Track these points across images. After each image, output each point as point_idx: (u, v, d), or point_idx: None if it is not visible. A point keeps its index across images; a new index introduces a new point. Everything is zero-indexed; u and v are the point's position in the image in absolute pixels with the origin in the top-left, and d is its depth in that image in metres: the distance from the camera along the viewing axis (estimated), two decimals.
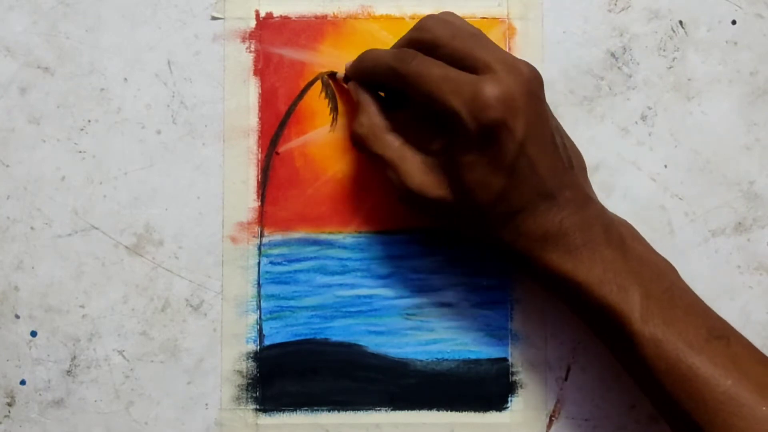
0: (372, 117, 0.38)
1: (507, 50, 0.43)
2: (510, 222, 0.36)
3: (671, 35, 0.43)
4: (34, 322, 0.42)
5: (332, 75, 0.42)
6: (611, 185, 0.42)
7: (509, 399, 0.42)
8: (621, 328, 0.35)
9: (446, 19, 0.37)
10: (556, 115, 0.42)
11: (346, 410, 0.42)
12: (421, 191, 0.37)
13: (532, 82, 0.35)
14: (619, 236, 0.37)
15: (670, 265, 0.38)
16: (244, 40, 0.43)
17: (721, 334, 0.36)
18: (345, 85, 0.41)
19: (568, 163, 0.37)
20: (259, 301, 0.42)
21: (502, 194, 0.35)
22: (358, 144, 0.39)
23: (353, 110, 0.41)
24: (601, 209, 0.38)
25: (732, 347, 0.36)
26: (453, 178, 0.36)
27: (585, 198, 0.37)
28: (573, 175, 0.37)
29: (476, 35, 0.37)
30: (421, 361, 0.42)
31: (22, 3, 0.43)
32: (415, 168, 0.37)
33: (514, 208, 0.36)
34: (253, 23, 0.43)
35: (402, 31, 0.42)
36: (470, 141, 0.35)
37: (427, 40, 0.37)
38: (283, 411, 0.42)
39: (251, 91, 0.42)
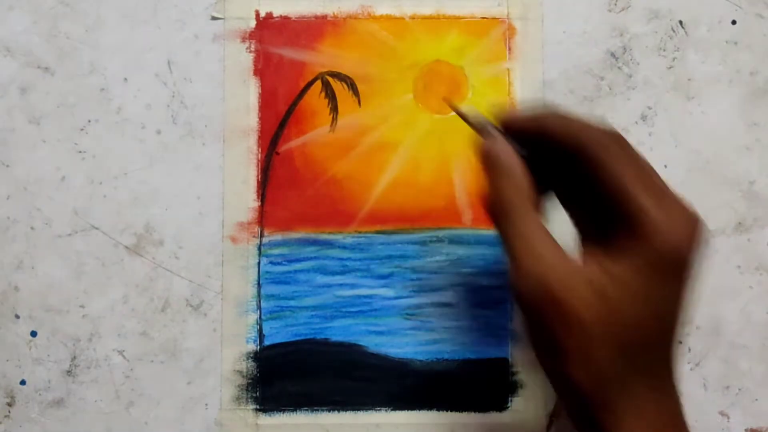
0: (522, 183, 0.31)
1: (507, 51, 0.43)
2: (628, 377, 0.29)
3: (671, 35, 0.43)
4: (34, 322, 0.42)
5: (458, 111, 0.35)
6: None
7: (509, 399, 0.42)
8: None
9: (623, 143, 0.31)
10: None
11: (346, 410, 0.42)
12: (554, 287, 0.29)
13: (701, 241, 0.30)
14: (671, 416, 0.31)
15: None
16: (244, 40, 0.43)
17: None
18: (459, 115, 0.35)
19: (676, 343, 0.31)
20: (259, 301, 0.42)
21: (651, 338, 0.29)
22: (499, 210, 0.31)
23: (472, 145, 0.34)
24: (678, 410, 0.31)
25: None
26: (601, 295, 0.29)
27: (670, 393, 0.31)
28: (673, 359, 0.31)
29: (651, 172, 0.31)
30: (421, 361, 0.42)
31: (22, 3, 0.43)
32: (558, 261, 0.30)
33: (646, 363, 0.30)
34: (253, 23, 0.43)
35: (402, 31, 0.43)
36: (645, 256, 0.29)
37: (599, 159, 0.30)
38: (283, 411, 0.42)
39: (251, 91, 0.43)
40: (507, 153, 0.32)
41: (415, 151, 0.42)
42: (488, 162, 0.32)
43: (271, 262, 0.42)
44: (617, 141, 0.31)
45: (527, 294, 0.30)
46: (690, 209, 0.30)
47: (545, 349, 0.30)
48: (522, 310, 0.30)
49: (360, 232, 0.42)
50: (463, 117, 0.34)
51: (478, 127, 0.33)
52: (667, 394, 0.30)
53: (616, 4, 0.43)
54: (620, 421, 0.29)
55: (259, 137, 0.42)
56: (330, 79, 0.42)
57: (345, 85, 0.43)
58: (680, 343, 0.42)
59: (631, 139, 0.42)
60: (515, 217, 0.31)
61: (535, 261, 0.30)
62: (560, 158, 0.31)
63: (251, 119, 0.42)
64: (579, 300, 0.29)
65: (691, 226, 0.29)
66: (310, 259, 0.42)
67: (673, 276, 0.29)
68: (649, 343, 0.29)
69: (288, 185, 0.42)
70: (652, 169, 0.31)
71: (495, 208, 0.31)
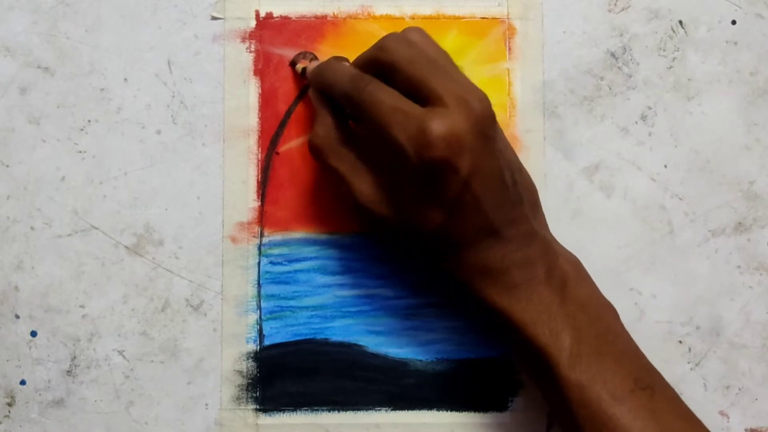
0: (328, 128, 0.38)
1: (507, 51, 0.43)
2: (452, 253, 0.36)
3: (671, 35, 0.43)
4: (34, 322, 0.42)
5: (293, 63, 0.42)
6: (611, 185, 0.42)
7: (509, 399, 0.42)
8: (549, 371, 0.35)
9: (409, 39, 0.37)
10: (556, 115, 0.42)
11: (346, 410, 0.42)
12: (369, 207, 0.37)
13: (481, 120, 0.35)
14: (561, 276, 0.37)
15: (611, 308, 0.38)
16: (244, 40, 0.43)
17: (646, 385, 0.36)
18: (300, 76, 0.42)
19: (518, 199, 0.36)
20: (259, 301, 0.42)
21: (443, 228, 0.35)
22: (314, 154, 0.39)
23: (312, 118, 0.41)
24: (548, 246, 0.37)
25: (656, 400, 0.35)
26: (398, 202, 0.36)
27: (531, 234, 0.37)
28: (521, 210, 0.37)
29: (434, 62, 0.36)
30: (421, 361, 0.42)
31: (22, 3, 0.43)
32: (365, 184, 0.37)
33: (456, 241, 0.36)
34: (253, 23, 0.43)
35: None
36: (414, 174, 0.35)
37: (386, 62, 0.36)
38: (283, 411, 0.42)
39: (251, 91, 0.42)
40: (318, 101, 0.39)
41: None
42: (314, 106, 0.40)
43: (271, 262, 0.42)
44: (361, 79, 0.36)
45: (361, 216, 0.40)
46: (451, 103, 0.34)
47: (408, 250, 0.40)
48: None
49: (360, 232, 0.42)
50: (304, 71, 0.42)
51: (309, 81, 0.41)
52: (497, 246, 0.37)
53: (616, 4, 0.43)
54: (466, 281, 0.37)
55: (259, 137, 0.42)
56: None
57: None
58: (680, 342, 0.42)
59: (631, 139, 0.43)
60: (327, 156, 0.38)
61: (351, 191, 0.38)
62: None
63: (251, 119, 0.42)
64: (388, 209, 0.37)
65: (443, 130, 0.34)
66: (310, 259, 0.42)
67: (446, 177, 0.34)
68: (449, 227, 0.36)
69: (288, 185, 0.42)
70: (414, 67, 0.35)
71: (314, 150, 0.39)
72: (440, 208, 0.35)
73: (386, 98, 0.35)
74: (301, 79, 0.42)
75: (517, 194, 0.36)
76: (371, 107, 0.35)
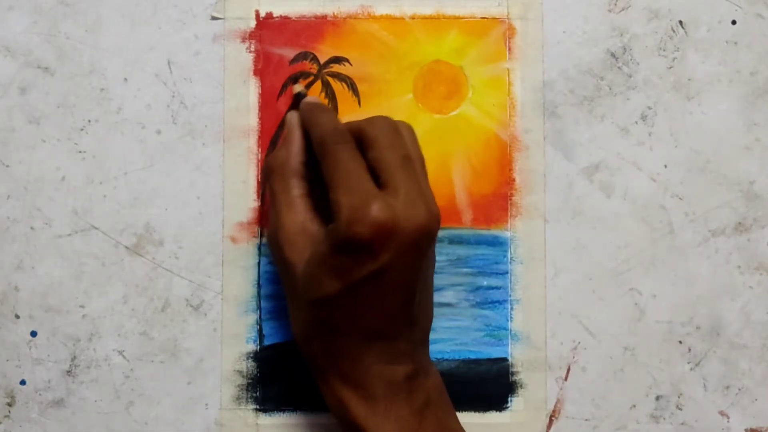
0: (291, 155, 0.38)
1: (507, 51, 0.43)
2: (323, 334, 0.36)
3: (671, 35, 0.43)
4: (34, 322, 0.42)
5: (295, 80, 0.42)
6: (611, 185, 0.42)
7: (509, 399, 0.42)
8: None
9: (398, 130, 0.37)
10: (556, 115, 0.42)
11: None
12: (281, 245, 0.37)
13: (423, 230, 0.34)
14: (425, 400, 0.36)
15: None
16: (244, 40, 0.43)
17: None
18: (293, 97, 0.42)
19: (411, 320, 0.36)
20: (259, 301, 0.42)
21: (326, 301, 0.35)
22: (265, 173, 0.39)
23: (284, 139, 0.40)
24: (420, 369, 0.37)
25: None
26: (309, 256, 0.36)
27: (404, 355, 0.36)
28: (410, 332, 0.36)
29: (409, 160, 0.36)
30: None
31: (22, 3, 0.43)
32: (293, 224, 0.37)
33: (333, 323, 0.35)
34: (253, 23, 0.43)
35: (402, 31, 0.43)
36: (333, 238, 0.34)
37: (369, 136, 0.36)
38: (283, 411, 0.42)
39: (251, 91, 0.42)
40: (295, 126, 0.39)
41: None
42: (285, 128, 0.40)
43: (271, 262, 0.42)
44: (341, 136, 0.36)
45: (270, 247, 0.39)
46: (402, 200, 0.34)
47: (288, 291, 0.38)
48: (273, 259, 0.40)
49: None
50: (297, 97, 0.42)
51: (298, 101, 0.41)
52: (370, 353, 0.36)
53: (616, 4, 0.43)
54: (327, 373, 0.36)
55: (259, 137, 0.42)
56: (330, 79, 0.42)
57: (345, 85, 0.43)
58: (680, 342, 0.42)
59: (631, 139, 0.43)
60: (275, 180, 0.38)
61: (276, 221, 0.37)
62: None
63: (251, 119, 0.42)
64: (299, 259, 0.36)
65: (381, 218, 0.33)
66: None
67: (360, 259, 0.34)
68: (336, 305, 0.35)
69: None
70: (390, 152, 0.36)
71: (266, 170, 0.39)
72: (339, 281, 0.34)
73: (351, 162, 0.35)
74: (294, 98, 0.42)
75: (413, 316, 0.36)
76: (334, 161, 0.35)
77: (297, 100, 0.41)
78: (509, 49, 0.43)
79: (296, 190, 0.37)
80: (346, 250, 0.34)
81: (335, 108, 0.42)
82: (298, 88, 0.42)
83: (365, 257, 0.34)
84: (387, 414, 0.35)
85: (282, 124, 0.42)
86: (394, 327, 0.36)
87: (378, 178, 0.35)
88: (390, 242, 0.34)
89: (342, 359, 0.36)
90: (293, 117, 0.39)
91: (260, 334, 0.42)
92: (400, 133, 0.37)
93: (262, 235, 0.42)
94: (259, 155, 0.42)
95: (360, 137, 0.36)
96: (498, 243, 0.42)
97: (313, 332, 0.36)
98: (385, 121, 0.37)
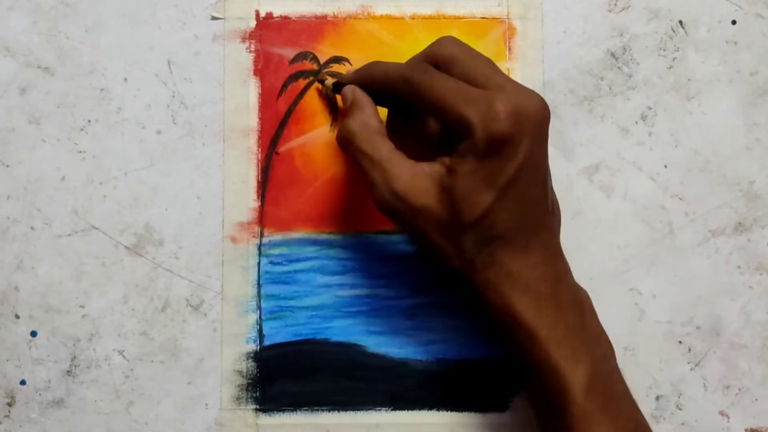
0: (367, 117, 0.37)
1: (507, 51, 0.43)
2: (485, 247, 0.35)
3: (671, 35, 0.43)
4: (34, 322, 0.42)
5: (321, 80, 0.42)
6: (611, 185, 0.42)
7: (509, 399, 0.42)
8: (561, 394, 0.35)
9: (462, 43, 0.37)
10: (556, 115, 0.43)
11: (346, 410, 0.42)
12: (406, 196, 0.35)
13: (542, 113, 0.35)
14: (581, 304, 0.37)
15: (612, 347, 0.38)
16: (244, 40, 0.43)
17: (645, 430, 0.36)
18: (331, 93, 0.42)
19: (552, 208, 0.37)
20: (259, 301, 0.42)
21: (487, 212, 0.35)
22: (347, 140, 0.37)
23: (342, 112, 0.40)
24: (568, 269, 0.37)
25: None
26: (444, 188, 0.35)
27: (559, 250, 0.37)
28: (554, 222, 0.37)
29: (491, 61, 0.36)
30: (421, 361, 0.42)
31: (22, 3, 0.43)
32: (403, 171, 0.36)
33: (495, 232, 0.35)
34: (253, 23, 0.43)
35: (402, 31, 0.43)
36: (474, 150, 0.34)
37: (445, 55, 0.36)
38: (283, 411, 0.42)
39: (251, 91, 0.42)
40: (359, 92, 0.38)
41: None
42: (346, 101, 0.39)
43: (271, 262, 0.42)
44: (419, 66, 0.36)
45: (389, 208, 0.36)
46: (513, 92, 0.34)
47: (426, 249, 0.37)
48: (394, 222, 0.37)
49: (360, 232, 0.42)
50: (336, 85, 0.41)
51: (341, 86, 0.40)
52: (531, 251, 0.35)
53: (616, 4, 0.43)
54: (493, 284, 0.36)
55: (259, 137, 0.42)
56: (330, 79, 0.42)
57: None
58: (680, 342, 0.42)
59: (631, 139, 0.43)
60: (361, 142, 0.37)
61: (386, 177, 0.36)
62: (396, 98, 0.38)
63: (251, 119, 0.42)
64: (428, 198, 0.35)
65: (510, 108, 0.34)
66: (310, 259, 0.42)
67: (505, 155, 0.34)
68: (496, 212, 0.35)
69: (288, 185, 0.42)
70: (475, 61, 0.36)
71: (348, 136, 0.37)
72: (491, 190, 0.34)
73: (449, 81, 0.35)
74: (334, 90, 0.41)
75: (553, 203, 0.37)
76: (433, 88, 0.35)
77: (337, 89, 0.41)
78: (509, 49, 0.43)
79: (386, 145, 0.37)
80: (491, 153, 0.34)
81: (335, 109, 0.42)
82: (330, 81, 0.41)
83: (509, 152, 0.34)
84: (556, 317, 0.35)
85: (283, 124, 0.42)
86: (541, 218, 0.36)
87: (477, 87, 0.35)
88: (525, 129, 0.34)
89: (508, 266, 0.35)
90: (352, 89, 0.39)
91: (260, 334, 0.42)
92: (466, 45, 0.37)
93: (262, 235, 0.42)
94: (259, 155, 0.42)
95: (435, 62, 0.36)
96: None
97: (475, 251, 0.35)
98: (450, 39, 0.37)
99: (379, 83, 0.38)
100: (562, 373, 0.34)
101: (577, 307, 0.36)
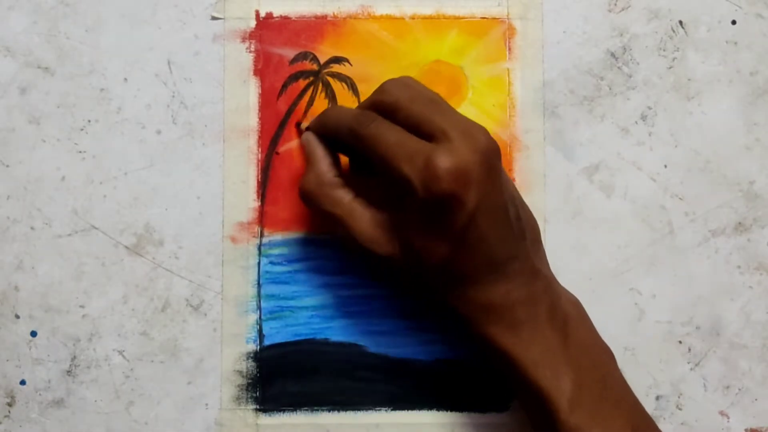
0: (321, 173, 0.38)
1: (507, 51, 0.43)
2: (456, 289, 0.36)
3: (671, 35, 0.43)
4: (34, 322, 0.42)
5: (298, 124, 0.42)
6: (611, 185, 0.42)
7: (509, 399, 0.42)
8: (549, 413, 0.35)
9: (406, 82, 0.37)
10: (556, 115, 0.42)
11: (346, 410, 0.42)
12: (370, 247, 0.37)
13: (487, 153, 0.35)
14: (563, 317, 0.37)
15: (610, 352, 0.38)
16: (244, 40, 0.43)
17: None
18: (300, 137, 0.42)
19: (520, 234, 0.36)
20: (259, 301, 0.42)
21: (448, 261, 0.35)
22: (306, 199, 0.38)
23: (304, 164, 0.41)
24: (550, 284, 0.37)
25: None
26: (402, 238, 0.36)
27: (534, 271, 0.36)
28: (524, 246, 0.36)
29: (434, 101, 0.36)
30: (421, 361, 0.42)
31: (22, 3, 0.43)
32: (365, 223, 0.37)
33: (460, 275, 0.36)
34: (253, 23, 0.43)
35: (402, 31, 0.43)
36: (420, 207, 0.34)
37: (388, 102, 0.36)
38: (283, 411, 0.42)
39: (251, 91, 0.42)
40: (313, 143, 0.39)
41: None
42: (303, 152, 0.40)
43: (271, 262, 0.42)
44: (365, 116, 0.36)
45: (359, 256, 0.39)
46: (456, 137, 0.34)
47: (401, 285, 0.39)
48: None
49: None
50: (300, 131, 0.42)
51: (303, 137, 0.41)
52: (502, 280, 0.36)
53: (616, 4, 0.43)
54: (467, 318, 0.37)
55: (259, 137, 0.42)
56: (330, 79, 0.42)
57: (345, 85, 0.43)
58: (680, 342, 0.42)
59: (631, 139, 0.43)
60: (319, 199, 0.38)
61: (349, 232, 0.37)
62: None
63: (251, 119, 0.42)
64: (391, 247, 0.36)
65: (449, 164, 0.34)
66: (310, 259, 0.42)
67: (452, 209, 0.34)
68: (455, 259, 0.35)
69: (288, 185, 0.42)
70: (417, 104, 0.36)
71: (306, 196, 0.38)
72: (446, 241, 0.35)
73: (392, 134, 0.35)
74: (299, 133, 0.42)
75: (520, 229, 0.36)
76: (376, 142, 0.35)
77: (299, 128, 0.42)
78: (509, 49, 0.43)
79: (346, 197, 0.38)
80: (436, 211, 0.34)
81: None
82: (305, 124, 0.41)
83: (456, 208, 0.34)
84: (532, 338, 0.36)
85: (283, 124, 0.42)
86: (508, 251, 0.36)
87: (420, 134, 0.35)
88: (469, 182, 0.34)
89: (479, 300, 0.36)
90: (308, 136, 0.40)
91: (260, 334, 0.42)
92: (410, 85, 0.37)
93: (262, 235, 0.42)
94: (259, 155, 0.42)
95: (380, 109, 0.37)
96: None
97: (444, 291, 0.36)
98: (392, 82, 0.37)
99: (331, 133, 0.39)
100: (545, 392, 0.35)
101: (557, 321, 0.36)
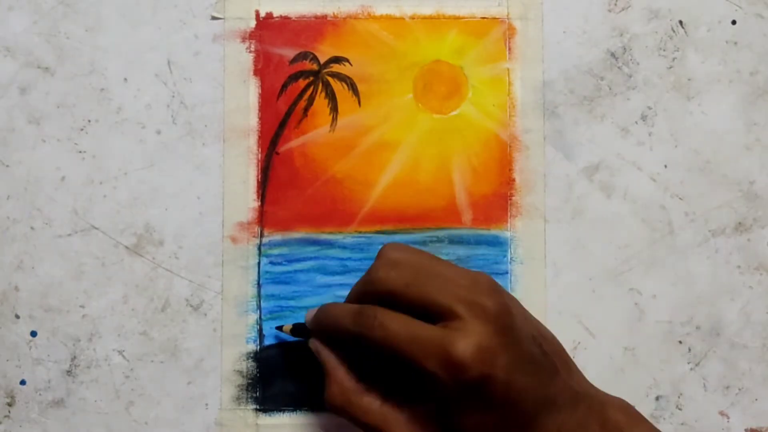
0: (343, 383, 0.37)
1: (507, 51, 0.43)
2: None
3: (671, 35, 0.43)
4: (34, 322, 0.42)
5: (279, 327, 0.41)
6: (611, 185, 0.42)
7: None
8: None
9: (393, 260, 0.36)
10: (556, 115, 0.42)
11: None
12: None
13: (499, 318, 0.34)
14: (615, 425, 0.36)
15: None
16: (244, 40, 0.43)
17: None
18: (292, 334, 0.40)
19: (552, 368, 0.35)
20: (259, 301, 0.42)
21: (499, 427, 0.34)
22: (336, 412, 0.37)
23: (325, 374, 0.38)
24: (593, 400, 0.36)
25: None
26: (445, 424, 0.34)
27: (575, 397, 0.35)
28: (560, 379, 0.35)
29: (428, 274, 0.35)
30: None
31: (22, 3, 0.43)
32: (402, 426, 0.35)
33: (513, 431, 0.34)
34: (253, 23, 0.43)
35: (402, 31, 0.43)
36: (452, 398, 0.33)
37: (384, 292, 0.35)
38: (283, 411, 0.42)
39: (251, 91, 0.42)
40: (324, 353, 0.38)
41: (415, 151, 0.42)
42: (319, 360, 0.38)
43: (271, 262, 0.42)
44: (364, 315, 0.35)
45: None
46: (468, 319, 0.33)
47: None
48: None
49: (360, 232, 0.42)
50: (295, 328, 0.40)
51: (300, 328, 0.40)
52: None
53: (616, 4, 0.43)
54: None
55: (259, 137, 0.42)
56: (330, 79, 0.42)
57: (345, 85, 0.43)
58: (680, 342, 0.42)
59: (631, 139, 0.43)
60: (349, 411, 0.36)
61: (392, 430, 0.35)
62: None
63: (251, 119, 0.42)
64: None
65: (471, 349, 0.33)
66: (310, 259, 0.42)
67: (485, 387, 0.33)
68: (494, 424, 0.34)
69: (288, 185, 0.42)
70: (414, 288, 0.34)
71: (335, 410, 0.37)
72: (490, 412, 0.34)
73: (399, 328, 0.34)
74: (293, 334, 0.40)
75: (550, 364, 0.35)
76: (386, 342, 0.34)
77: (298, 333, 0.40)
78: (509, 49, 0.43)
79: (375, 403, 0.36)
80: (471, 393, 0.33)
81: (335, 108, 0.42)
82: (288, 328, 0.40)
83: (489, 383, 0.33)
84: None
85: (283, 124, 0.42)
86: (548, 391, 0.35)
87: (426, 316, 0.34)
88: (494, 355, 0.33)
89: None
90: (315, 345, 0.38)
91: (260, 334, 0.42)
92: (398, 262, 0.35)
93: (262, 235, 0.42)
94: (259, 155, 0.42)
95: (375, 297, 0.35)
96: (498, 243, 0.42)
97: None
98: (380, 267, 0.36)
99: (333, 334, 0.37)
100: None
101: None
